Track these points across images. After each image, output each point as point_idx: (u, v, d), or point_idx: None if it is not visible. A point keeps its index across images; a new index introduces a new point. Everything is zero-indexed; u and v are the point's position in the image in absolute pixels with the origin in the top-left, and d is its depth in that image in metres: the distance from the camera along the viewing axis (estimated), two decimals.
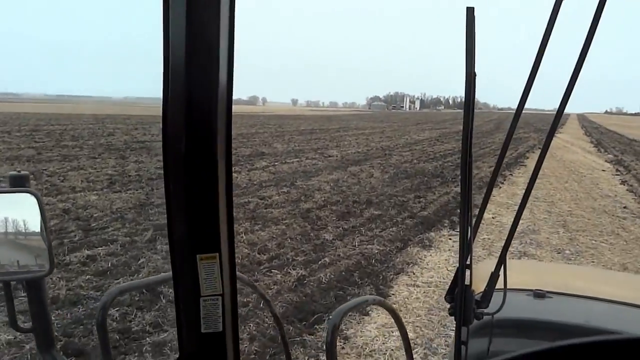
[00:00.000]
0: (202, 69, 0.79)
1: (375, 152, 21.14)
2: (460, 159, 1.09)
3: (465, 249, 1.17)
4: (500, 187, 13.30)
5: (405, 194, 11.62)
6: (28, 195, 1.05)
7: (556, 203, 11.35)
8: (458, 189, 12.55)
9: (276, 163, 16.40)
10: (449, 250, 7.38)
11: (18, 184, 1.08)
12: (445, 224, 8.97)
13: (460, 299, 1.20)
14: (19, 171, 1.09)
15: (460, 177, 1.16)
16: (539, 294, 1.78)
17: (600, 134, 43.35)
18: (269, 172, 14.22)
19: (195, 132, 0.81)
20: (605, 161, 20.99)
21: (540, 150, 1.12)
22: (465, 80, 1.00)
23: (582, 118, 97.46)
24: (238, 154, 18.53)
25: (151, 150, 18.40)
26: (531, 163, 18.84)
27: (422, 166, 16.95)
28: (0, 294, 1.20)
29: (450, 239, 8.01)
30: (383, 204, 10.24)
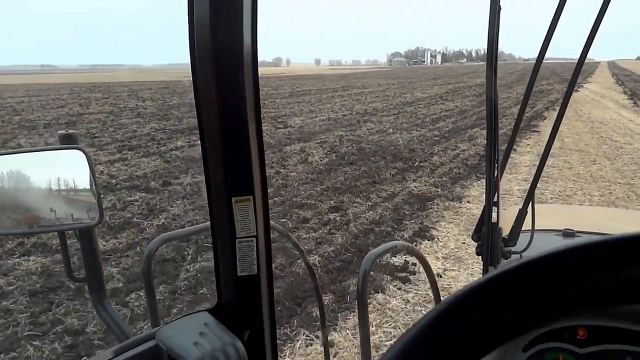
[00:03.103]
0: (227, 22, 0.74)
1: (350, 119, 15.87)
2: (486, 95, 1.04)
3: (492, 187, 1.11)
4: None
5: (320, 201, 6.58)
6: (77, 151, 1.02)
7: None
8: (415, 185, 7.38)
9: (198, 142, 11.48)
10: None
11: (67, 141, 1.06)
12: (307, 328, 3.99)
13: (488, 237, 1.14)
14: (67, 130, 1.07)
15: (485, 113, 1.07)
16: (569, 233, 1.50)
17: (633, 82, 35.97)
18: (164, 160, 9.36)
19: (223, 84, 0.77)
20: None
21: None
22: (490, 13, 0.96)
23: (612, 65, 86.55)
24: (172, 129, 13.69)
25: (72, 127, 13.68)
26: (548, 127, 13.33)
27: (393, 139, 11.70)
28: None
29: None
30: None
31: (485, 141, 1.16)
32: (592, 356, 1.09)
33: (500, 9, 0.97)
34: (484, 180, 8.55)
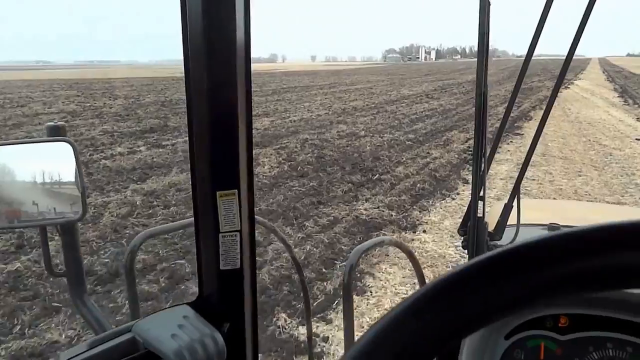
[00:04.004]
0: (221, 16, 0.73)
1: (324, 119, 14.51)
2: (475, 88, 1.04)
3: (478, 181, 1.10)
4: (453, 198, 6.68)
5: None
6: (65, 144, 0.96)
7: None
8: (365, 207, 6.04)
9: (140, 147, 10.14)
10: None
11: (55, 133, 1.01)
12: None
13: (473, 231, 1.14)
14: (55, 122, 1.02)
15: (475, 106, 1.06)
16: (554, 227, 1.44)
17: (624, 78, 34.61)
18: (86, 172, 8.02)
19: (216, 78, 0.75)
20: (638, 119, 13.80)
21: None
22: (480, 8, 0.97)
23: (603, 62, 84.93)
24: (124, 131, 12.33)
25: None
26: (533, 129, 12.01)
27: (361, 143, 10.35)
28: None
29: None
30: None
31: (472, 142, 1.14)
32: (574, 342, 1.04)
33: (489, 4, 0.97)
34: (449, 199, 7.27)
